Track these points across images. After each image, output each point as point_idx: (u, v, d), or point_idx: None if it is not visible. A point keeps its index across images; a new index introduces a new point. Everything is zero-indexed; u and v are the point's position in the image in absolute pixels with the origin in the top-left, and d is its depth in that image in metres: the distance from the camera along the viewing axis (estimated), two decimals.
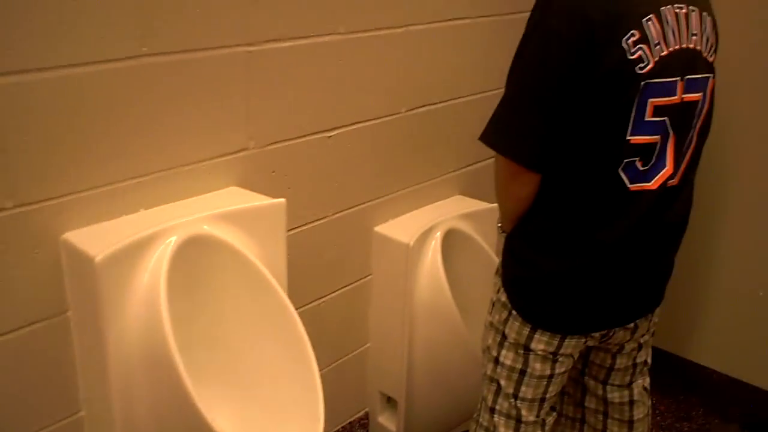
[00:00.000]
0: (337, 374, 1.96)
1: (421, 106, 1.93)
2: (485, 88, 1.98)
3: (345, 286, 1.92)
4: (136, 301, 1.25)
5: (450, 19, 1.90)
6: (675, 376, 2.52)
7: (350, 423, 2.09)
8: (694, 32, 1.31)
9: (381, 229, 1.94)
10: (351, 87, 1.73)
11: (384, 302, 1.98)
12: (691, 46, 1.31)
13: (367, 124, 1.80)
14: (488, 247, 2.02)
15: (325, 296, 1.86)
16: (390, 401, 2.07)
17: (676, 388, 2.50)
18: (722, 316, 2.07)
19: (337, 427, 2.05)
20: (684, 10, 1.29)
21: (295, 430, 1.32)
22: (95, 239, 1.25)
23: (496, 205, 1.50)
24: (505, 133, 1.36)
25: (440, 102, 1.98)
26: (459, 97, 2.00)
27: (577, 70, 1.24)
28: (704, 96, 1.37)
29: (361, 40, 1.70)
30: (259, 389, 1.45)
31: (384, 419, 2.09)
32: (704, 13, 1.34)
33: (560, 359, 1.49)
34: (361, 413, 2.12)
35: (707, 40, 1.34)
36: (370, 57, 1.75)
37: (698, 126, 1.39)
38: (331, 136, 1.72)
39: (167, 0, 1.31)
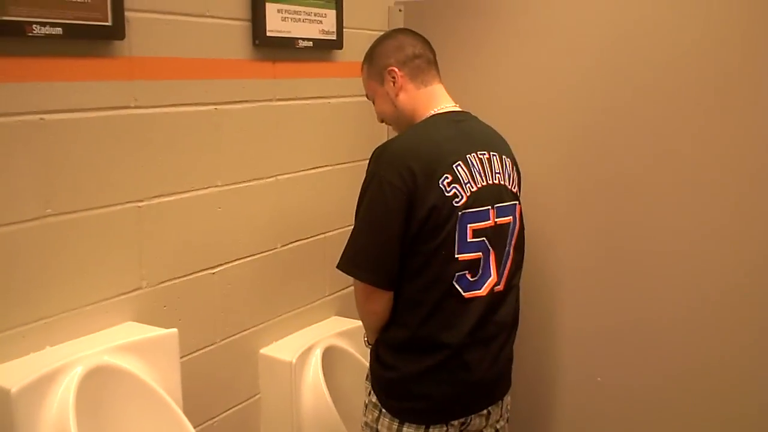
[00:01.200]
0: None
1: (294, 241, 2.19)
2: (349, 223, 2.25)
3: (236, 405, 2.05)
4: (47, 426, 1.39)
5: (312, 168, 2.21)
6: None
7: None
8: (497, 171, 1.66)
9: (266, 351, 2.11)
10: (231, 229, 1.96)
11: (273, 418, 2.12)
12: (497, 182, 1.65)
13: (248, 259, 2.03)
14: (363, 359, 2.18)
15: (217, 416, 1.99)
16: None
17: None
18: (570, 403, 2.27)
19: None
20: (486, 155, 1.65)
21: None
22: (8, 375, 1.39)
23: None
24: (358, 261, 1.62)
25: (311, 237, 2.24)
26: (327, 231, 2.28)
27: (407, 208, 1.54)
28: (514, 219, 1.70)
29: (236, 190, 1.96)
30: None
31: None
32: (503, 156, 1.70)
33: None
34: None
35: (509, 176, 1.70)
36: (246, 203, 2.00)
37: (513, 242, 1.70)
38: (215, 272, 1.93)
39: (67, 168, 1.53)
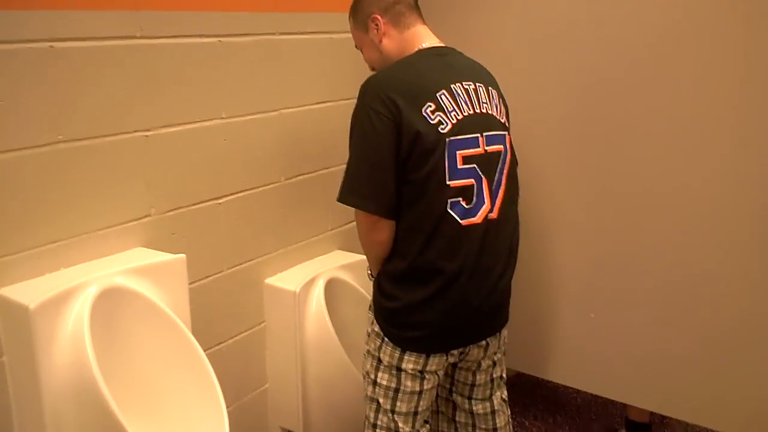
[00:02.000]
0: (240, 412, 2.14)
1: (297, 175, 2.24)
2: None
3: (242, 332, 2.13)
4: (64, 342, 1.46)
5: (315, 103, 2.25)
6: (540, 397, 2.85)
7: None
8: (484, 101, 1.70)
9: (271, 281, 2.18)
10: (236, 161, 2.01)
11: (278, 346, 2.20)
12: (484, 111, 1.69)
13: (252, 191, 2.08)
14: (365, 292, 2.26)
15: (224, 341, 2.07)
16: None
17: (543, 410, 2.83)
18: (568, 337, 2.34)
19: None
20: (472, 86, 1.69)
21: None
22: (26, 293, 1.46)
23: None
24: (358, 191, 1.66)
25: (313, 171, 2.30)
26: (330, 167, 2.33)
27: (395, 134, 1.59)
28: (505, 148, 1.73)
29: (241, 123, 2.00)
30: (171, 421, 1.63)
31: None
32: (490, 88, 1.74)
33: (427, 376, 1.74)
34: None
35: (496, 107, 1.74)
36: (250, 136, 2.04)
37: (505, 171, 1.73)
38: (221, 203, 1.98)
39: (77, 95, 1.57)
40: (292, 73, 2.15)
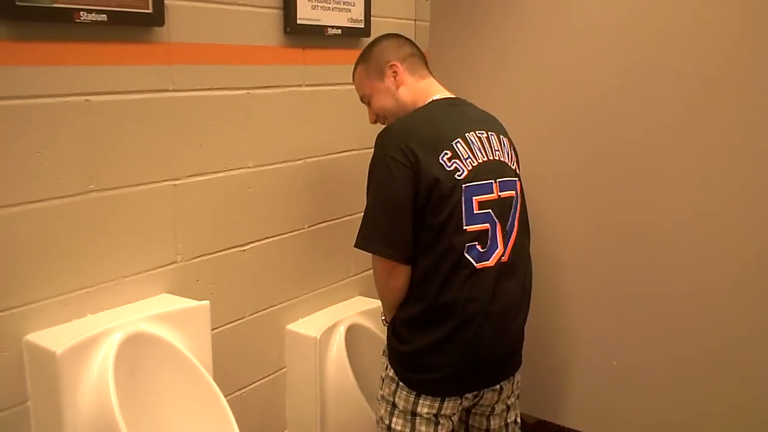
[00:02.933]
0: None
1: (321, 222, 2.28)
2: None
3: (263, 378, 2.15)
4: (89, 387, 1.49)
5: (339, 152, 2.30)
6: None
7: None
8: (497, 149, 1.75)
9: (292, 326, 2.20)
10: (261, 209, 2.05)
11: (298, 391, 2.21)
12: (496, 158, 1.74)
13: (276, 238, 2.12)
14: (384, 337, 2.23)
15: (245, 387, 2.08)
16: None
17: None
18: (589, 384, 2.30)
19: None
20: (485, 134, 1.74)
21: None
22: (53, 338, 1.50)
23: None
24: (374, 237, 1.69)
25: (337, 218, 2.33)
26: (353, 213, 2.36)
27: (414, 182, 1.63)
28: (516, 193, 1.77)
29: (266, 172, 2.05)
30: None
31: None
32: (501, 136, 1.79)
33: (441, 421, 1.73)
34: None
35: (508, 154, 1.79)
36: (275, 184, 2.08)
37: (517, 216, 1.77)
38: (245, 249, 2.02)
39: (110, 147, 1.63)
40: (317, 122, 2.21)
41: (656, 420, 2.19)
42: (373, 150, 1.72)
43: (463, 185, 1.66)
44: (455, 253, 1.66)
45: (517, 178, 1.80)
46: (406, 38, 1.91)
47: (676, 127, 2.02)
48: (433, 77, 1.87)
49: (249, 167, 2.00)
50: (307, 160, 2.19)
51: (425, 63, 1.88)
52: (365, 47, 1.91)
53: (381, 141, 1.71)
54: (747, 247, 1.96)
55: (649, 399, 2.20)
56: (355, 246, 1.71)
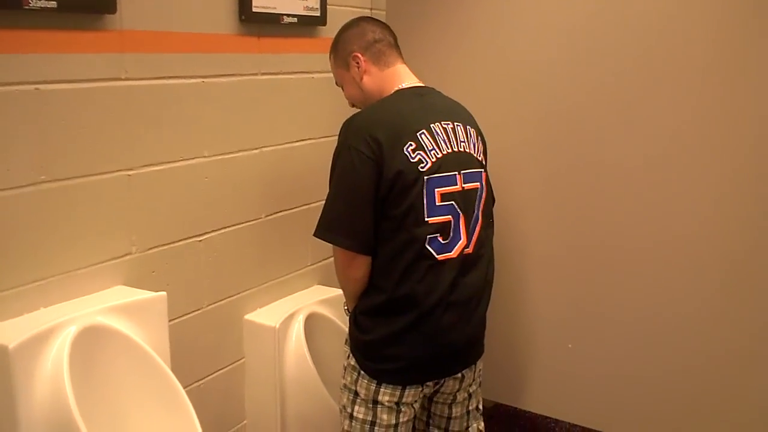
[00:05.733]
0: None
1: (278, 212, 2.27)
2: None
3: (221, 368, 2.14)
4: (43, 382, 1.46)
5: (295, 141, 2.29)
6: (518, 427, 2.86)
7: None
8: (462, 140, 1.75)
9: (250, 316, 2.19)
10: (216, 199, 2.03)
11: (257, 381, 2.20)
12: (461, 149, 1.74)
13: (233, 228, 2.10)
14: (344, 326, 2.19)
15: (204, 378, 2.07)
16: None
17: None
18: (545, 367, 2.37)
19: None
20: (450, 125, 1.74)
21: None
22: (5, 333, 1.46)
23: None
24: (334, 227, 1.70)
25: (294, 207, 2.33)
26: (310, 203, 2.36)
27: (376, 173, 1.64)
28: (481, 185, 1.78)
29: (223, 161, 2.03)
30: None
31: None
32: (468, 126, 1.79)
33: (403, 408, 1.76)
34: None
35: (474, 145, 1.79)
36: (231, 174, 2.07)
37: (481, 207, 1.78)
38: (201, 240, 2.00)
39: (61, 136, 1.59)
40: (273, 111, 2.19)
41: (611, 399, 2.26)
42: (330, 138, 1.72)
43: (426, 177, 1.67)
44: (416, 245, 1.68)
45: (482, 170, 1.81)
46: (374, 23, 1.89)
47: (648, 115, 2.07)
48: (403, 62, 1.85)
49: (205, 156, 1.98)
50: (264, 149, 2.18)
51: (394, 48, 1.86)
52: (336, 33, 1.89)
53: (345, 131, 1.71)
54: (712, 233, 2.03)
55: (604, 380, 2.26)
56: (315, 235, 1.71)
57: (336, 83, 1.94)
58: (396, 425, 1.76)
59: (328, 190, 1.71)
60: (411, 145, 1.67)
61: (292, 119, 2.27)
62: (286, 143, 2.26)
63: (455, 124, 1.76)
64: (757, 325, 1.99)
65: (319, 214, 1.71)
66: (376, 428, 1.76)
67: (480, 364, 1.89)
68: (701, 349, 2.07)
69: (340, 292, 2.21)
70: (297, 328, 2.19)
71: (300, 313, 2.23)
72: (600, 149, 2.15)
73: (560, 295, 2.31)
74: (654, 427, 2.19)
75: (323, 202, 1.71)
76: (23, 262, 1.57)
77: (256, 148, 2.15)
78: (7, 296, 1.54)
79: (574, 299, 2.28)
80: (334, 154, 1.72)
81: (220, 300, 2.10)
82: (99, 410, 1.60)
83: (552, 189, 2.26)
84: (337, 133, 1.72)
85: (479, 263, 1.79)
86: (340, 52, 1.87)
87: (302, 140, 2.32)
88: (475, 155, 1.79)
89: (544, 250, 2.31)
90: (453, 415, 1.88)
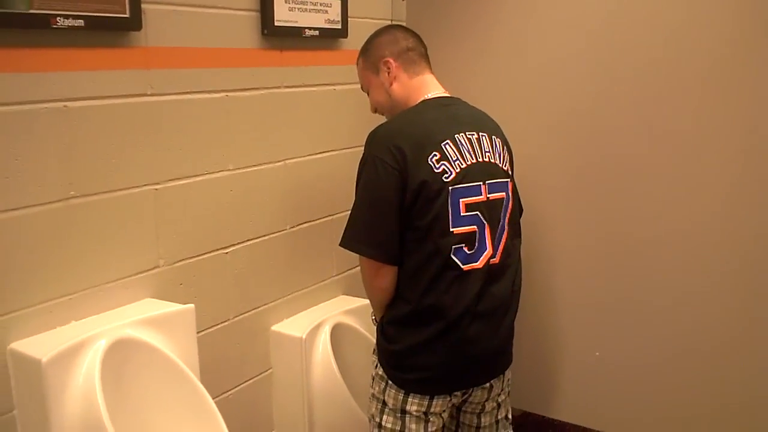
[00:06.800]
0: None
1: (303, 223, 2.28)
2: None
3: (249, 379, 2.15)
4: (75, 394, 1.49)
5: (319, 153, 2.30)
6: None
7: None
8: (487, 150, 1.75)
9: (277, 327, 2.20)
10: (242, 211, 2.05)
11: (285, 392, 2.21)
12: (486, 159, 1.74)
13: (258, 240, 2.12)
14: (370, 336, 2.27)
15: (232, 389, 2.09)
16: None
17: None
18: (573, 376, 2.36)
19: None
20: (475, 136, 1.74)
21: None
22: (38, 346, 1.49)
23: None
24: (360, 237, 1.71)
25: (318, 218, 2.34)
26: (334, 213, 2.37)
27: (401, 183, 1.64)
28: (507, 195, 1.78)
29: (247, 174, 2.05)
30: None
31: None
32: (493, 136, 1.79)
33: (431, 418, 1.75)
34: None
35: (500, 155, 1.79)
36: (256, 186, 2.09)
37: (507, 217, 1.78)
38: (228, 252, 2.02)
39: (89, 152, 1.62)
40: (296, 124, 2.21)
41: (639, 407, 2.23)
42: (353, 150, 1.74)
43: (450, 187, 1.67)
44: (442, 255, 1.68)
45: (508, 179, 1.81)
46: (407, 32, 1.90)
47: (667, 117, 2.06)
48: (431, 73, 1.86)
49: (229, 170, 2.00)
50: (288, 161, 2.19)
51: (423, 57, 1.87)
52: (368, 38, 1.91)
53: (370, 142, 1.72)
54: (737, 243, 2.01)
55: (632, 387, 2.24)
56: (341, 245, 1.72)
57: (362, 88, 1.94)
58: None
59: (353, 201, 1.72)
60: (435, 155, 1.67)
61: (314, 131, 2.29)
62: (310, 155, 2.28)
63: (480, 134, 1.76)
64: None
65: (345, 225, 1.73)
66: None
67: (508, 374, 1.88)
68: (734, 353, 2.05)
69: (365, 302, 2.22)
70: (323, 338, 2.20)
71: (326, 323, 2.24)
72: (622, 149, 2.15)
73: (587, 303, 2.29)
74: None
75: (347, 212, 1.72)
76: (54, 277, 1.60)
77: (280, 161, 2.17)
78: (39, 310, 1.57)
79: (601, 305, 2.26)
80: (359, 165, 1.73)
81: (247, 311, 2.12)
82: (130, 422, 1.61)
83: (577, 194, 2.25)
84: (359, 144, 1.73)
85: (506, 273, 1.78)
86: (371, 56, 1.87)
87: (325, 152, 2.34)
88: (501, 165, 1.79)
89: (570, 256, 2.31)
90: (482, 424, 1.88)
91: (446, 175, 1.67)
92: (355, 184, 1.73)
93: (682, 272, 2.10)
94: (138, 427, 1.64)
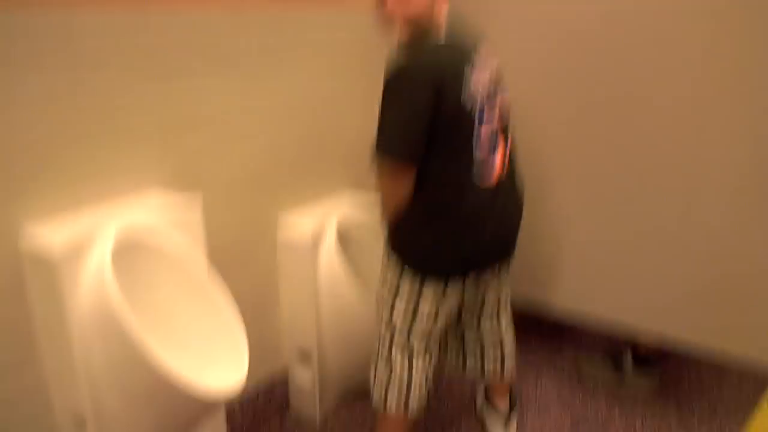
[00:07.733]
0: (256, 336, 2.17)
1: (310, 122, 2.28)
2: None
3: (256, 267, 2.22)
4: (88, 281, 1.55)
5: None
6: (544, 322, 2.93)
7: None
8: (494, 74, 1.83)
9: (285, 214, 2.24)
10: (252, 109, 2.07)
11: (292, 280, 2.28)
12: (494, 84, 1.82)
13: (268, 135, 2.14)
14: (377, 228, 2.26)
15: (240, 275, 2.13)
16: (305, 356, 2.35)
17: (549, 331, 2.93)
18: (572, 265, 2.44)
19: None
20: (485, 62, 1.80)
21: (225, 371, 1.65)
22: (49, 237, 1.54)
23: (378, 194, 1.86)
24: (392, 145, 1.73)
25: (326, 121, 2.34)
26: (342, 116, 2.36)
27: (433, 102, 1.68)
28: (506, 109, 1.88)
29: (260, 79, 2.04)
30: (192, 345, 1.72)
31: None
32: (489, 56, 1.84)
33: (444, 299, 1.89)
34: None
35: (497, 73, 1.86)
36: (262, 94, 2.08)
37: (506, 128, 1.88)
38: (237, 144, 2.04)
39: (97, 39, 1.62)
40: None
41: (640, 295, 2.31)
42: (387, 75, 1.71)
43: (475, 111, 1.74)
44: (458, 173, 1.77)
45: (501, 95, 1.87)
46: None
47: (673, 50, 2.03)
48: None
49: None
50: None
51: None
52: None
53: (406, 61, 1.70)
54: (738, 158, 2.01)
55: (631, 273, 2.30)
56: (374, 151, 1.74)
57: None
58: (437, 314, 1.91)
59: (380, 111, 1.72)
60: (464, 81, 1.72)
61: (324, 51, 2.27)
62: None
63: (487, 61, 1.81)
64: None
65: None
66: (417, 316, 1.90)
67: (512, 261, 2.03)
68: (737, 242, 2.08)
69: (372, 195, 2.32)
70: (330, 229, 2.23)
71: (333, 214, 2.28)
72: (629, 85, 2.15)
73: (586, 193, 2.33)
74: (681, 320, 2.23)
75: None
76: (61, 160, 1.63)
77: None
78: (50, 190, 1.62)
79: (599, 196, 2.31)
80: (388, 80, 1.71)
81: (256, 198, 2.15)
82: (140, 304, 1.69)
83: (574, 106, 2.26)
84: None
85: (510, 184, 1.90)
86: None
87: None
88: (500, 86, 1.86)
89: (568, 152, 2.34)
90: (486, 301, 2.07)
91: (469, 102, 1.74)
92: (383, 91, 1.72)
93: (684, 155, 2.12)
94: (148, 309, 1.71)
